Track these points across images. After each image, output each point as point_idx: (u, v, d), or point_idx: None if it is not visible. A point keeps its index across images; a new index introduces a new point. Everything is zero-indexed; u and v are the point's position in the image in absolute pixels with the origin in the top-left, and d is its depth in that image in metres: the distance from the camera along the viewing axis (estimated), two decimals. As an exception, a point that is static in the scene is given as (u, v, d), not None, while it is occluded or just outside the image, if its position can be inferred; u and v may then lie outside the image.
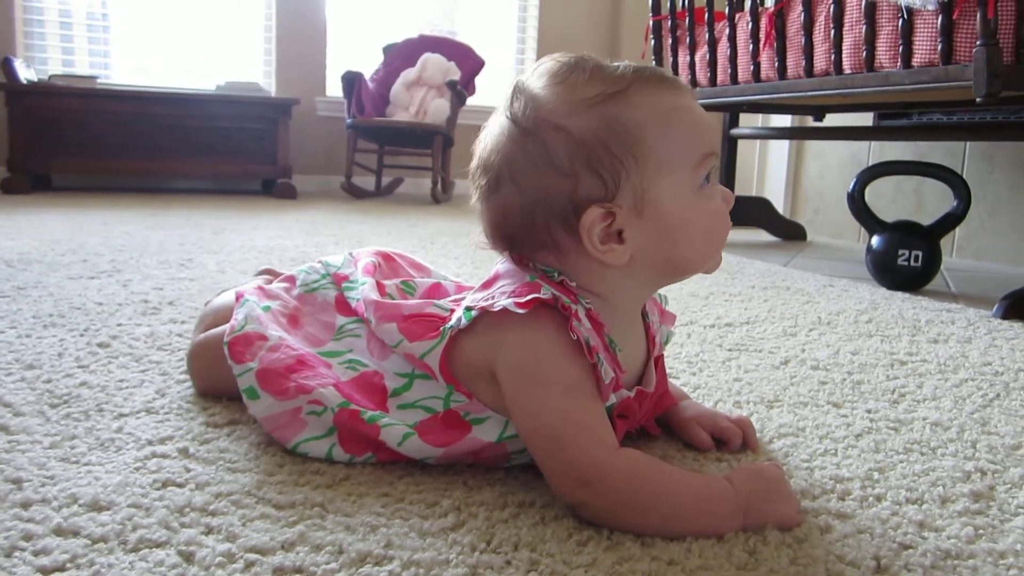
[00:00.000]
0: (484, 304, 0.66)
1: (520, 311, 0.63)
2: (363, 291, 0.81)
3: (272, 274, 1.09)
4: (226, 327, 0.81)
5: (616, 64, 0.68)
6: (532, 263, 0.69)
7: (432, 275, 0.91)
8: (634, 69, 0.67)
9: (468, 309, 0.68)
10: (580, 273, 0.68)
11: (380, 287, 0.83)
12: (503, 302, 0.64)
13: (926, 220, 1.96)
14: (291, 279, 0.89)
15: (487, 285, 0.70)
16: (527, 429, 0.64)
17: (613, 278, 0.68)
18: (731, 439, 0.78)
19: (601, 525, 0.60)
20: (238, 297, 0.85)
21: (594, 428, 0.62)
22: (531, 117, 0.66)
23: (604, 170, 0.64)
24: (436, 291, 0.84)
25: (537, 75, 0.68)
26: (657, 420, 0.81)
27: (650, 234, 0.66)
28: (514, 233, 0.69)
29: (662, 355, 0.78)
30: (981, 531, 0.63)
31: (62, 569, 0.52)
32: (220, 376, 0.79)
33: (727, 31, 2.29)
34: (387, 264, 0.88)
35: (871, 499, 0.68)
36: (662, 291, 0.81)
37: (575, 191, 0.64)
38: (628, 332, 0.72)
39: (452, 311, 0.72)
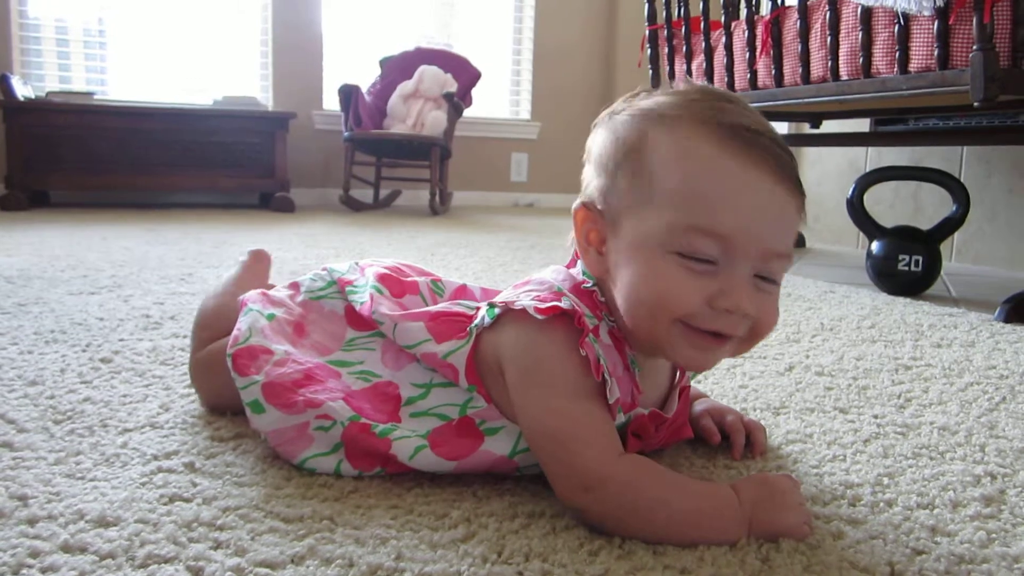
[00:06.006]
0: (507, 301, 0.67)
1: (538, 316, 0.63)
2: (372, 296, 0.79)
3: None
4: (228, 339, 0.80)
5: (714, 100, 0.63)
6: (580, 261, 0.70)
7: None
8: (715, 107, 0.61)
9: (491, 306, 0.68)
10: (595, 275, 0.68)
11: (411, 286, 0.83)
12: (525, 302, 0.65)
13: (925, 225, 1.96)
14: (295, 285, 0.88)
15: (518, 287, 0.71)
16: (531, 430, 0.64)
17: (610, 295, 0.67)
18: (733, 434, 0.78)
19: (603, 531, 0.60)
20: (242, 304, 0.84)
21: (597, 433, 0.62)
22: (609, 112, 0.69)
23: (604, 175, 0.66)
24: (463, 293, 0.84)
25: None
26: None
27: (616, 260, 0.65)
28: None
29: (688, 386, 0.78)
30: (994, 535, 0.62)
31: (71, 586, 0.51)
32: (228, 391, 0.78)
33: (723, 39, 2.29)
34: (398, 275, 0.87)
35: (882, 504, 0.67)
36: None
37: (587, 186, 0.68)
38: (650, 356, 0.70)
39: (478, 309, 0.71)
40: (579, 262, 0.70)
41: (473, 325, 0.70)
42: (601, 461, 0.60)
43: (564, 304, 0.63)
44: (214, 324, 0.91)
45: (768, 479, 0.64)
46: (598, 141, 0.68)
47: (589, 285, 0.68)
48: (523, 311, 0.64)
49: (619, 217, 0.64)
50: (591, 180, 0.68)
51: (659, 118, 0.63)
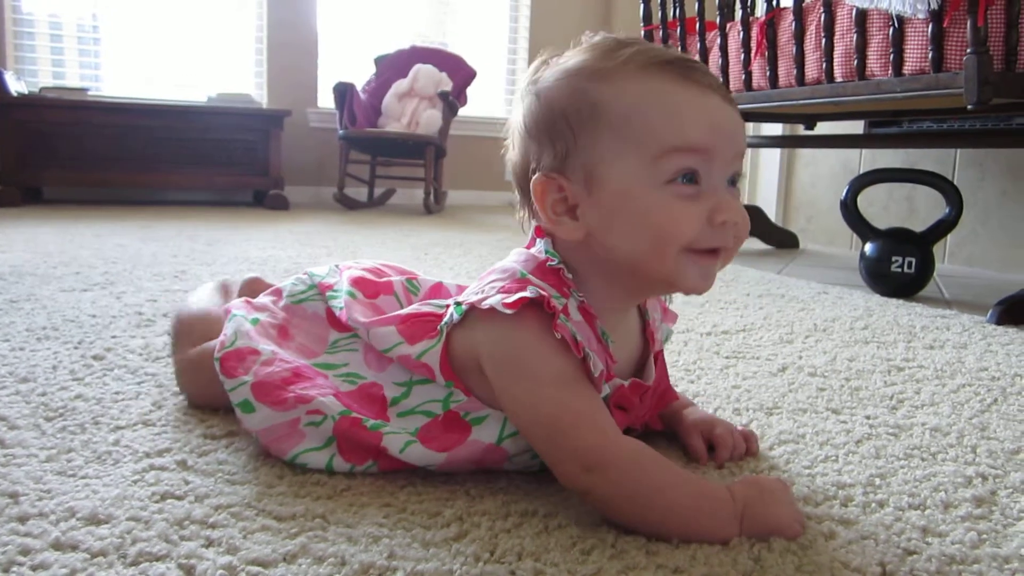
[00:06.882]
0: (473, 300, 0.66)
1: (507, 311, 0.63)
2: (346, 302, 0.80)
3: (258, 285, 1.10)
4: (215, 343, 0.80)
5: (636, 46, 0.66)
6: (543, 241, 0.70)
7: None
8: (642, 51, 0.65)
9: (458, 304, 0.68)
10: (564, 250, 0.69)
11: (386, 286, 0.83)
12: (491, 300, 0.64)
13: (918, 227, 1.97)
14: (278, 291, 0.88)
15: (482, 278, 0.71)
16: (525, 421, 0.64)
17: (587, 262, 0.68)
18: (719, 448, 0.77)
19: (603, 514, 0.61)
20: (226, 312, 0.85)
21: (593, 414, 0.62)
22: (530, 83, 0.69)
23: (557, 140, 0.66)
24: (438, 291, 0.84)
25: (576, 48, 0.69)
26: (661, 416, 0.82)
27: (599, 216, 0.65)
28: (522, 195, 0.71)
29: (662, 351, 0.78)
30: (984, 536, 0.62)
31: (61, 584, 0.51)
32: (216, 394, 0.78)
33: (719, 41, 2.30)
34: (375, 275, 0.87)
35: (874, 505, 0.67)
36: None
37: (538, 158, 0.67)
38: (620, 323, 0.72)
39: (448, 307, 0.71)
40: (539, 241, 0.70)
41: (443, 324, 0.70)
42: (603, 442, 0.61)
43: (530, 293, 0.63)
44: (197, 328, 0.92)
45: (759, 479, 0.64)
46: (532, 113, 0.68)
47: (554, 263, 0.68)
48: (491, 309, 0.64)
49: (593, 174, 0.64)
50: (539, 153, 0.67)
51: (593, 73, 0.65)
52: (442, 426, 0.69)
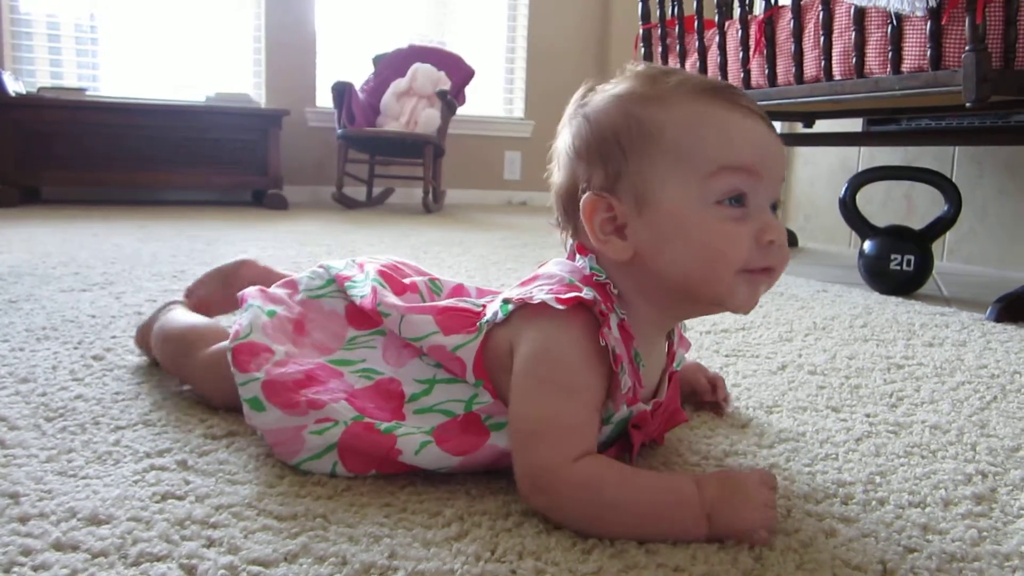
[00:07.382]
0: (522, 297, 0.67)
1: (559, 307, 0.63)
2: (375, 289, 0.79)
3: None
4: (227, 338, 0.80)
5: (682, 74, 0.68)
6: (587, 258, 0.70)
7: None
8: (689, 78, 0.67)
9: (505, 302, 0.68)
10: (608, 270, 0.69)
11: (411, 286, 0.83)
12: (542, 296, 0.65)
13: (917, 224, 1.97)
14: (292, 284, 0.87)
15: (526, 283, 0.71)
16: (512, 425, 0.65)
17: (631, 282, 0.68)
18: (717, 381, 0.94)
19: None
20: (241, 301, 0.84)
21: (565, 433, 0.62)
22: (578, 107, 0.70)
23: (609, 161, 0.66)
24: (460, 292, 0.84)
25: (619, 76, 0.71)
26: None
27: (649, 236, 0.65)
28: (565, 217, 0.72)
29: (676, 371, 0.79)
30: (985, 533, 0.63)
31: (63, 584, 0.51)
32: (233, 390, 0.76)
33: (717, 39, 2.30)
34: (396, 273, 0.87)
35: (874, 503, 0.68)
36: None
37: (588, 178, 0.68)
38: (652, 348, 0.72)
39: (485, 307, 0.72)
40: (581, 257, 0.70)
41: (484, 320, 0.70)
42: (557, 462, 0.60)
43: (586, 294, 0.64)
44: (195, 335, 0.92)
45: (731, 477, 0.62)
46: (582, 135, 0.68)
47: (601, 278, 0.68)
48: (542, 305, 0.64)
49: (644, 194, 0.65)
50: (589, 173, 0.68)
51: (644, 97, 0.66)
52: (460, 427, 0.68)
